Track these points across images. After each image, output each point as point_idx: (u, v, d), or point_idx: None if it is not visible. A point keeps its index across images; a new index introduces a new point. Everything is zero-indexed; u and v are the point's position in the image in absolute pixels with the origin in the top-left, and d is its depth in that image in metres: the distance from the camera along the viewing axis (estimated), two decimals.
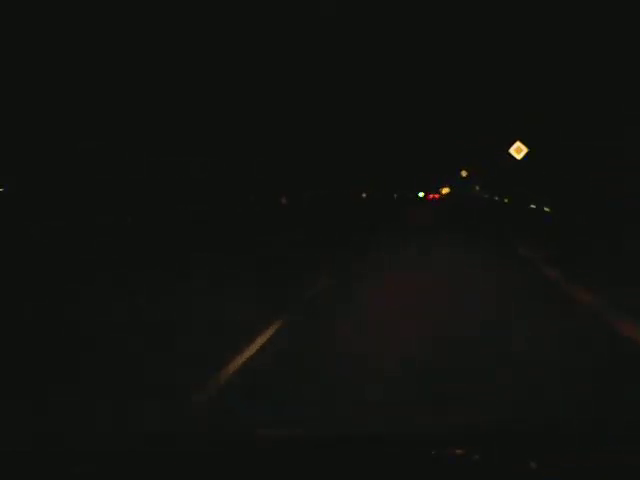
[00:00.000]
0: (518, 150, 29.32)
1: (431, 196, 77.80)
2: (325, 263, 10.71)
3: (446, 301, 7.11)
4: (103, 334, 5.69)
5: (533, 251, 12.07)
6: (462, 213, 34.45)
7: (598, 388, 3.99)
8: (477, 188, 72.94)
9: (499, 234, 17.38)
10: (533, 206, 35.23)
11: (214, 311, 6.57)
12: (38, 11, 12.31)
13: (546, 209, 27.88)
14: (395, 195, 77.50)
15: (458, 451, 1.65)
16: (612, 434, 1.71)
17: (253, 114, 23.47)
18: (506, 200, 47.28)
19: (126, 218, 16.08)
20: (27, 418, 4.04)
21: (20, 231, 13.16)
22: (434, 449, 1.65)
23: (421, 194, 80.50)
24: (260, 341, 5.34)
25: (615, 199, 19.89)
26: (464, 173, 77.80)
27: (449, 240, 15.63)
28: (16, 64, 12.17)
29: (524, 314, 6.26)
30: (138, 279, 9.05)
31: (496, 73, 30.16)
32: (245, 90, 21.84)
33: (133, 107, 16.09)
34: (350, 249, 13.49)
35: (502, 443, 1.66)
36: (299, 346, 5.29)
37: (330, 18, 23.60)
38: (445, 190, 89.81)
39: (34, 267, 10.81)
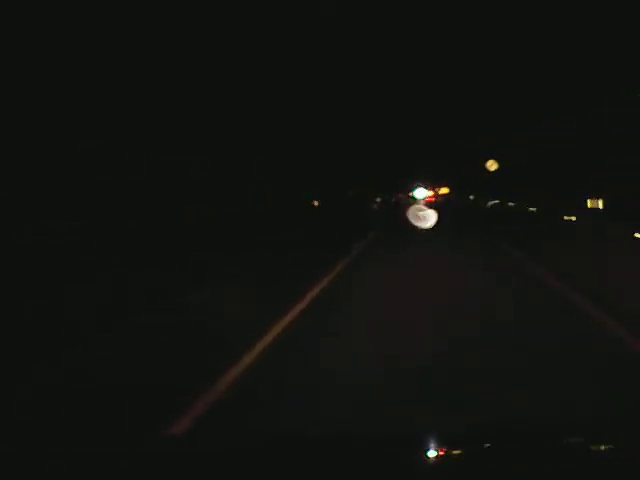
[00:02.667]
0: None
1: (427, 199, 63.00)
2: None
3: None
4: None
5: None
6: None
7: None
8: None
9: None
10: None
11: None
12: (38, 10, 12.32)
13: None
14: (379, 199, 59.04)
15: (458, 451, 1.65)
16: (612, 433, 1.71)
17: (253, 114, 23.48)
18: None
19: (127, 218, 16.06)
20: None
21: (20, 232, 13.15)
22: (434, 449, 1.64)
23: (421, 194, 62.97)
24: None
25: (615, 199, 19.86)
26: (493, 166, 47.14)
27: None
28: (15, 64, 12.18)
29: None
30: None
31: (496, 73, 30.16)
32: (245, 90, 21.85)
33: (133, 107, 16.09)
34: None
35: (502, 443, 1.66)
36: None
37: (330, 18, 23.61)
38: (444, 190, 69.51)
39: (34, 268, 10.80)
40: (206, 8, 17.58)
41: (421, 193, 62.12)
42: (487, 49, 28.91)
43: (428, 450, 1.64)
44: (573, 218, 24.15)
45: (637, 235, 15.53)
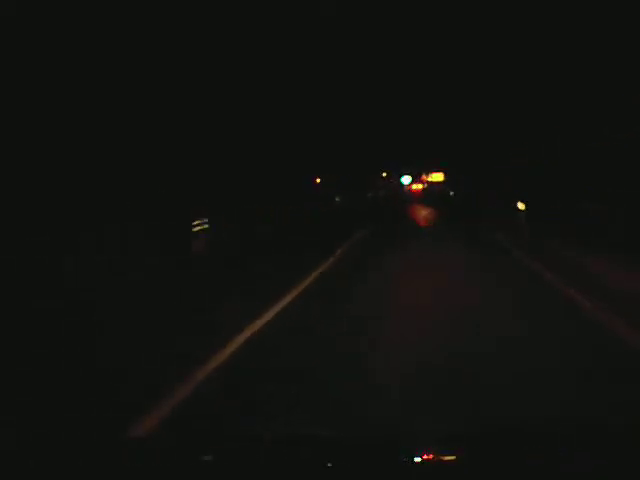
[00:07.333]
0: None
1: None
2: None
3: None
4: None
5: None
6: None
7: None
8: None
9: None
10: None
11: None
12: (38, 10, 12.31)
13: None
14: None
15: (457, 451, 1.65)
16: (611, 434, 1.71)
17: (250, 114, 23.43)
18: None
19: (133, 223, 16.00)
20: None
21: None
22: (433, 449, 1.64)
23: (406, 180, 56.51)
24: None
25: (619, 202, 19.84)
26: None
27: None
28: (16, 65, 12.17)
29: None
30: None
31: (496, 73, 30.17)
32: (244, 90, 21.81)
33: (132, 107, 16.09)
34: None
35: (502, 443, 1.66)
36: None
37: (330, 18, 23.58)
38: (437, 177, 56.60)
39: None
40: (205, 7, 17.58)
41: (406, 180, 59.72)
42: (487, 51, 28.92)
43: (427, 451, 1.64)
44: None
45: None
